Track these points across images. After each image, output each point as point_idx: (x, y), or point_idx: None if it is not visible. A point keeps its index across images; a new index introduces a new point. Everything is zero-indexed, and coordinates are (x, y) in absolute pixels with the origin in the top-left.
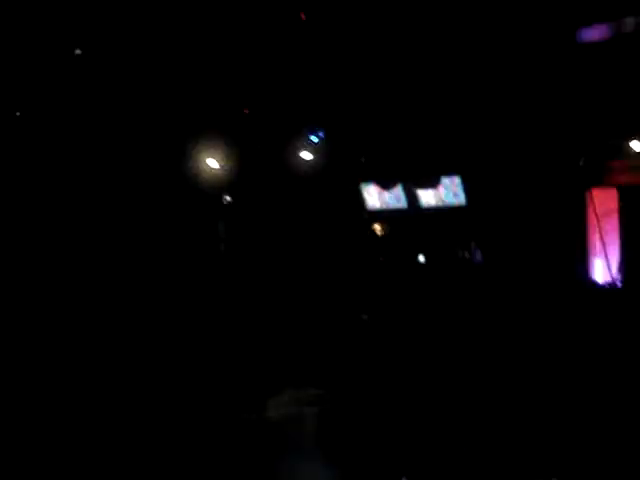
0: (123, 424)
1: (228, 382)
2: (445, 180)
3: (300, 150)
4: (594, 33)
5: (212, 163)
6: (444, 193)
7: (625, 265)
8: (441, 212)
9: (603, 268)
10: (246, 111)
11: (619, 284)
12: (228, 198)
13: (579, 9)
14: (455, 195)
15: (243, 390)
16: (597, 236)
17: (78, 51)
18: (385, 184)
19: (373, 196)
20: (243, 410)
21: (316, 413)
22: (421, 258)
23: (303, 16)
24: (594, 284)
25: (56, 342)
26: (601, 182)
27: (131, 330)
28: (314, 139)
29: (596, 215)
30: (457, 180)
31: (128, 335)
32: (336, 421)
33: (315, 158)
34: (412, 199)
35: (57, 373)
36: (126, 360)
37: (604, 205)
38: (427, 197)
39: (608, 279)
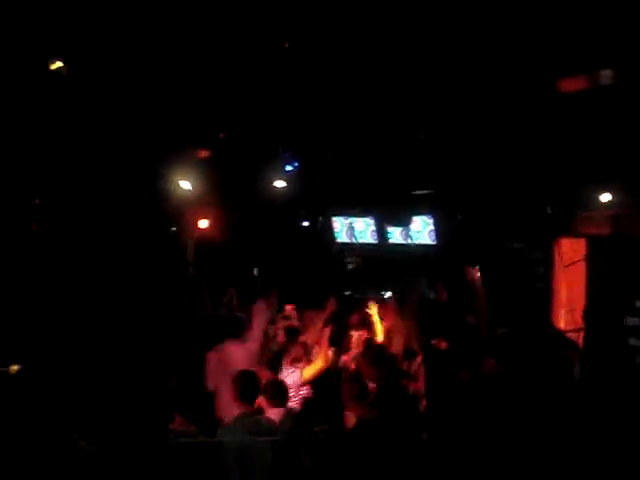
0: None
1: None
2: (416, 219)
3: (273, 178)
4: (570, 84)
5: (185, 185)
6: (414, 232)
7: (590, 315)
8: (410, 250)
9: (568, 317)
10: (222, 135)
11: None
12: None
13: (555, 59)
14: (425, 234)
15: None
16: (564, 286)
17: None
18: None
19: (343, 230)
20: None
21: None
22: (387, 294)
23: (286, 45)
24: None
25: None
26: (569, 232)
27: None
28: (288, 168)
29: (563, 264)
30: (428, 220)
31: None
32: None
33: (288, 187)
34: (382, 236)
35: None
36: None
37: (571, 255)
38: (397, 234)
39: (572, 328)
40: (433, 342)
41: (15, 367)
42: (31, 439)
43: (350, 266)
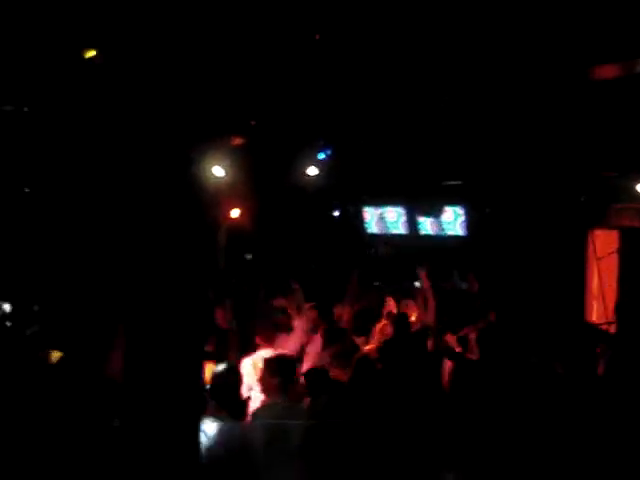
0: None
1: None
2: (447, 209)
3: (306, 165)
4: (607, 71)
5: (217, 171)
6: (445, 222)
7: (622, 308)
8: (441, 241)
9: (600, 310)
10: (253, 122)
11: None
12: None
13: (592, 47)
14: (456, 225)
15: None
16: (596, 277)
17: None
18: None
19: (373, 219)
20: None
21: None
22: (417, 284)
23: (317, 36)
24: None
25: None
26: (603, 223)
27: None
28: (321, 155)
29: (596, 256)
30: (460, 210)
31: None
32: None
33: (320, 175)
34: (413, 226)
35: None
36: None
37: (605, 246)
38: (428, 225)
39: (604, 321)
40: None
41: (56, 354)
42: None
43: (381, 252)
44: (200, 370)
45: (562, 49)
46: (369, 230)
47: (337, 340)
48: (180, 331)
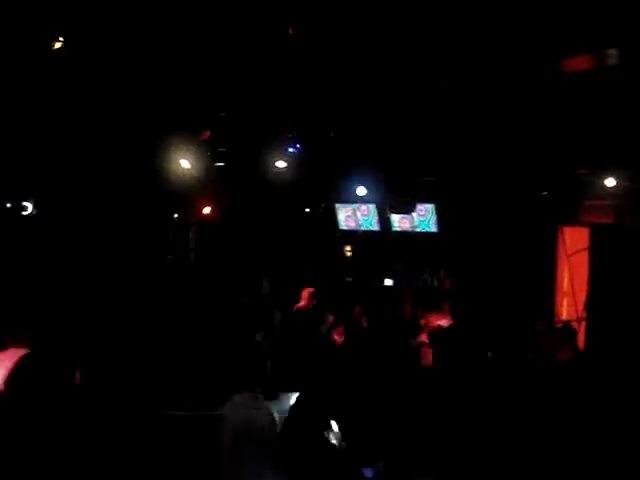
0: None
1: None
2: (419, 207)
3: (275, 158)
4: (577, 63)
5: (184, 164)
6: (417, 219)
7: (592, 304)
8: (412, 237)
9: (570, 306)
10: (222, 114)
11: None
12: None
13: (562, 38)
14: (427, 222)
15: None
16: (566, 274)
17: None
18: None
19: (345, 216)
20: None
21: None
22: (388, 281)
23: (291, 30)
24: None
25: None
26: (572, 221)
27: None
28: (291, 150)
29: (566, 253)
30: (430, 208)
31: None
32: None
33: (290, 169)
34: (385, 222)
35: None
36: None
37: (575, 243)
38: (400, 222)
39: (575, 317)
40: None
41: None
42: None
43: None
44: None
45: (532, 41)
46: (341, 227)
47: None
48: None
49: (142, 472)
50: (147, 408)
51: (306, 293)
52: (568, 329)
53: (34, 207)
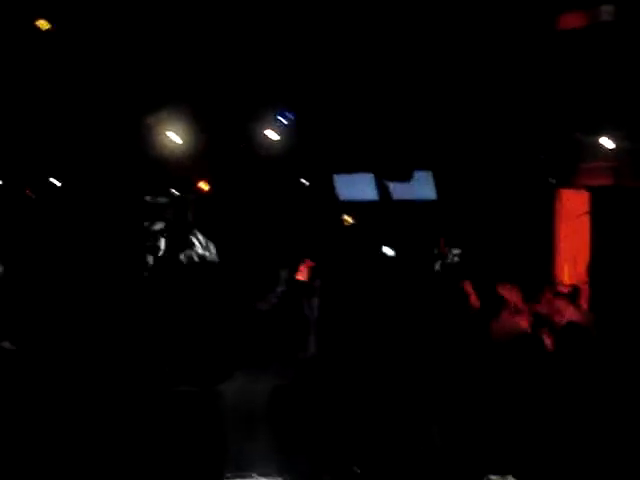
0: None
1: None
2: (417, 174)
3: (266, 128)
4: (572, 20)
5: (173, 136)
6: (415, 187)
7: (595, 268)
8: (411, 205)
9: (571, 271)
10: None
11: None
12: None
13: None
14: (426, 190)
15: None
16: (566, 238)
17: None
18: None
19: (345, 186)
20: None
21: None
22: (388, 251)
23: None
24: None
25: None
26: (570, 184)
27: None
28: (283, 119)
29: (565, 216)
30: (429, 175)
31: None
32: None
33: (282, 140)
34: (383, 191)
35: None
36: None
37: (574, 207)
38: (399, 190)
39: (576, 282)
40: None
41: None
42: None
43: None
44: None
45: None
46: (341, 197)
47: None
48: None
49: (142, 449)
50: (146, 385)
51: (304, 267)
52: (575, 290)
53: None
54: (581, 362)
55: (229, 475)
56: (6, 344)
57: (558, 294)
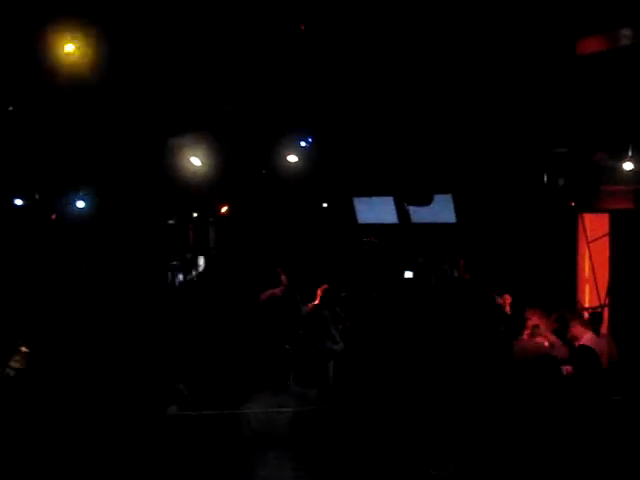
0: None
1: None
2: (437, 197)
3: (287, 153)
4: (591, 45)
5: (195, 161)
6: (435, 210)
7: (615, 290)
8: (431, 229)
9: (592, 293)
10: (231, 109)
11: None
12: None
13: (575, 19)
14: (446, 213)
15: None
16: (587, 261)
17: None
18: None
19: (364, 209)
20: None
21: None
22: (408, 274)
23: (302, 27)
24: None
25: None
26: (591, 208)
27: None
28: (302, 143)
29: (587, 239)
30: (449, 198)
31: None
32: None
33: (302, 164)
34: (403, 214)
35: None
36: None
37: (595, 230)
38: (418, 213)
39: (597, 304)
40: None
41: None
42: None
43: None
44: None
45: (547, 24)
46: (360, 220)
47: None
48: None
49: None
50: (162, 407)
51: (320, 291)
52: (596, 315)
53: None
54: (586, 385)
55: None
56: (23, 349)
57: (576, 318)
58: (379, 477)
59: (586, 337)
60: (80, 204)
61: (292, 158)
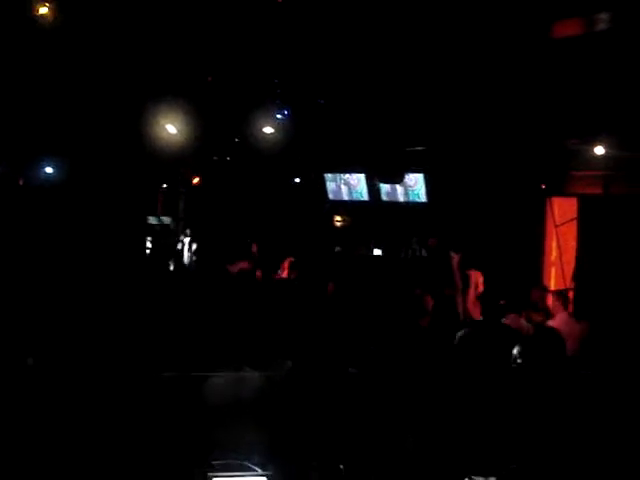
0: None
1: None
2: (408, 177)
3: (263, 124)
4: (567, 28)
5: (170, 129)
6: (407, 189)
7: (579, 273)
8: (401, 207)
9: (558, 276)
10: (210, 79)
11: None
12: None
13: (549, 3)
14: (417, 192)
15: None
16: (554, 244)
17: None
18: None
19: (334, 186)
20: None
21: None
22: (377, 251)
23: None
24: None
25: None
26: (561, 191)
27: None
28: (279, 116)
29: (555, 223)
30: (420, 177)
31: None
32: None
33: (278, 137)
34: (374, 193)
35: None
36: None
37: (563, 214)
38: (389, 192)
39: (562, 287)
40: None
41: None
42: None
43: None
44: None
45: (522, 6)
46: (330, 197)
47: None
48: None
49: (125, 433)
50: (138, 370)
51: (287, 263)
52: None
53: None
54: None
55: (214, 462)
56: (30, 361)
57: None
58: (339, 442)
59: (560, 316)
60: (49, 169)
61: (268, 129)
